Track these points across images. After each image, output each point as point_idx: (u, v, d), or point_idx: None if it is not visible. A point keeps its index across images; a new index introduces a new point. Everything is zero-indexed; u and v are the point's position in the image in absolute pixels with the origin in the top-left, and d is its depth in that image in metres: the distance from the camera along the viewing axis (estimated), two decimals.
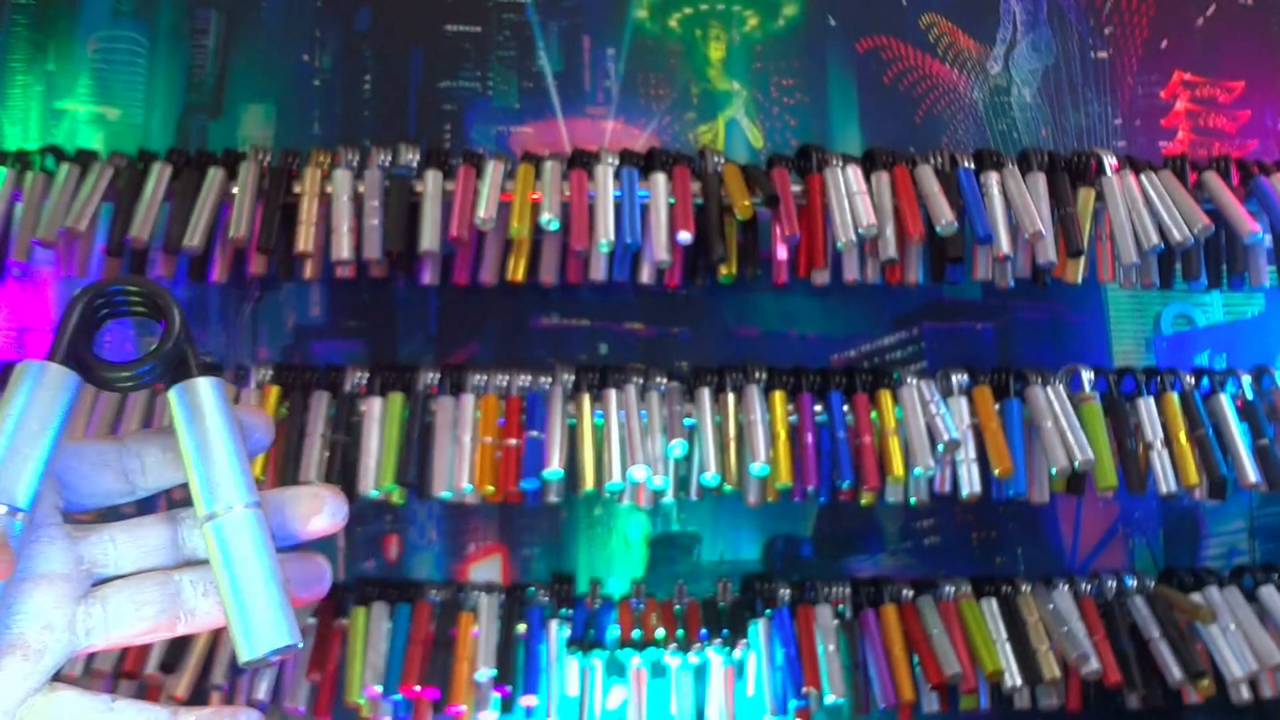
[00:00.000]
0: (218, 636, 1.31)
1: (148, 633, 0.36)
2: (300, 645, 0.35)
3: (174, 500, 0.39)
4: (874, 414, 1.35)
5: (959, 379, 1.37)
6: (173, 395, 0.35)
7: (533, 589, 1.37)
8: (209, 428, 0.35)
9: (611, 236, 1.30)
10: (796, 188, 1.37)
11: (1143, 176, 1.38)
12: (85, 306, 0.35)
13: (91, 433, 1.28)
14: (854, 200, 1.34)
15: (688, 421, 1.32)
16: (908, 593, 1.38)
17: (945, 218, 1.32)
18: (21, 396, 0.33)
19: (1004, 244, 1.34)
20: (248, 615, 0.34)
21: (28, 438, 0.33)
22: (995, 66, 1.68)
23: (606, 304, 1.56)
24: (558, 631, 1.35)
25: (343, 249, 1.29)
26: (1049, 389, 1.35)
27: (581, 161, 1.36)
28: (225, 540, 0.34)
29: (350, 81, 1.62)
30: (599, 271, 1.34)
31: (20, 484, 0.33)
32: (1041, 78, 1.68)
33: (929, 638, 1.32)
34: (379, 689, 1.28)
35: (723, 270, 1.34)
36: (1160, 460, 1.34)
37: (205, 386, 0.35)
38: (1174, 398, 1.36)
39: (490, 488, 1.27)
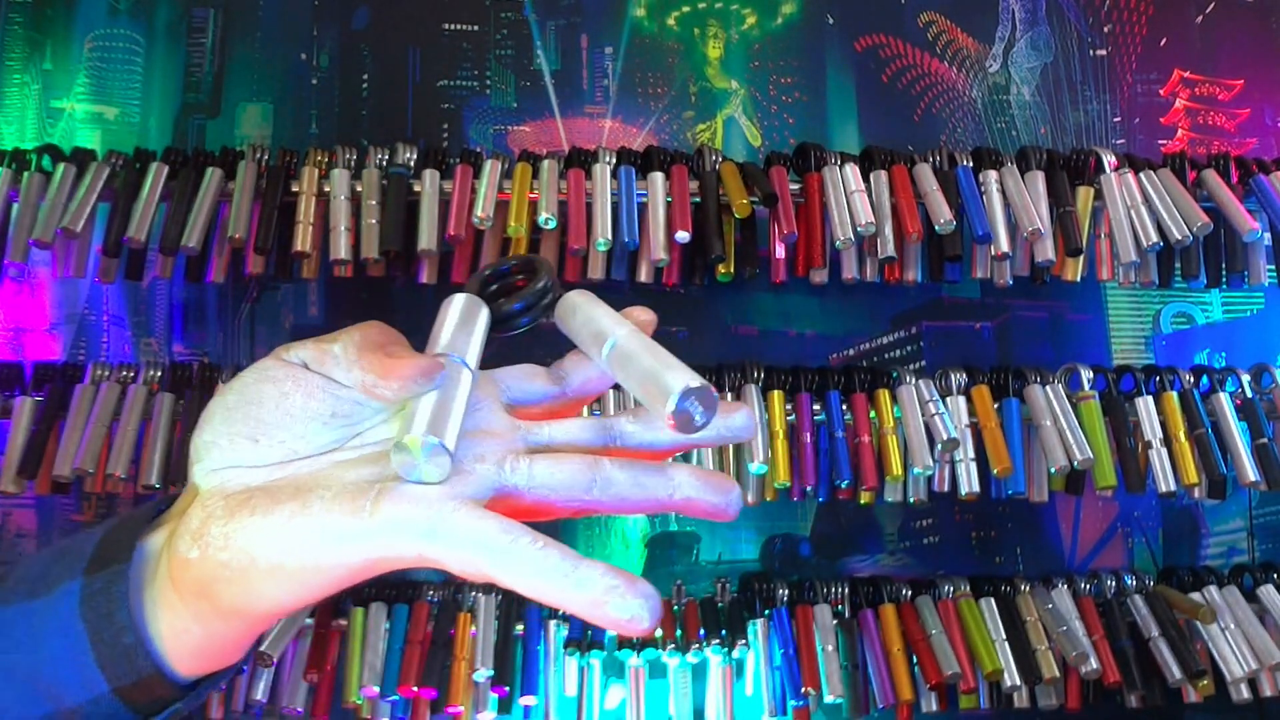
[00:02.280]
0: None
1: (564, 487, 0.41)
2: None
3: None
4: (872, 413, 1.35)
5: (958, 378, 1.37)
6: (568, 300, 0.46)
7: None
8: (595, 306, 0.45)
9: (609, 235, 1.30)
10: (795, 186, 1.37)
11: (1142, 175, 1.38)
12: (490, 274, 0.47)
13: (91, 429, 1.27)
14: (852, 199, 1.33)
15: None
16: (906, 592, 1.38)
17: (944, 216, 1.32)
18: (459, 311, 0.45)
19: (1003, 242, 1.34)
20: (658, 376, 0.41)
21: (475, 330, 0.45)
22: (994, 64, 1.68)
23: (605, 303, 1.55)
24: (556, 631, 1.35)
25: (340, 248, 1.29)
26: (1048, 388, 1.35)
27: (579, 160, 1.36)
28: (624, 346, 0.43)
29: (348, 80, 1.61)
30: (597, 270, 1.33)
31: (475, 356, 0.44)
32: (1040, 76, 1.68)
33: (928, 637, 1.32)
34: (377, 689, 1.28)
35: (721, 269, 1.33)
36: (1159, 459, 1.33)
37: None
38: (1173, 397, 1.36)
39: None
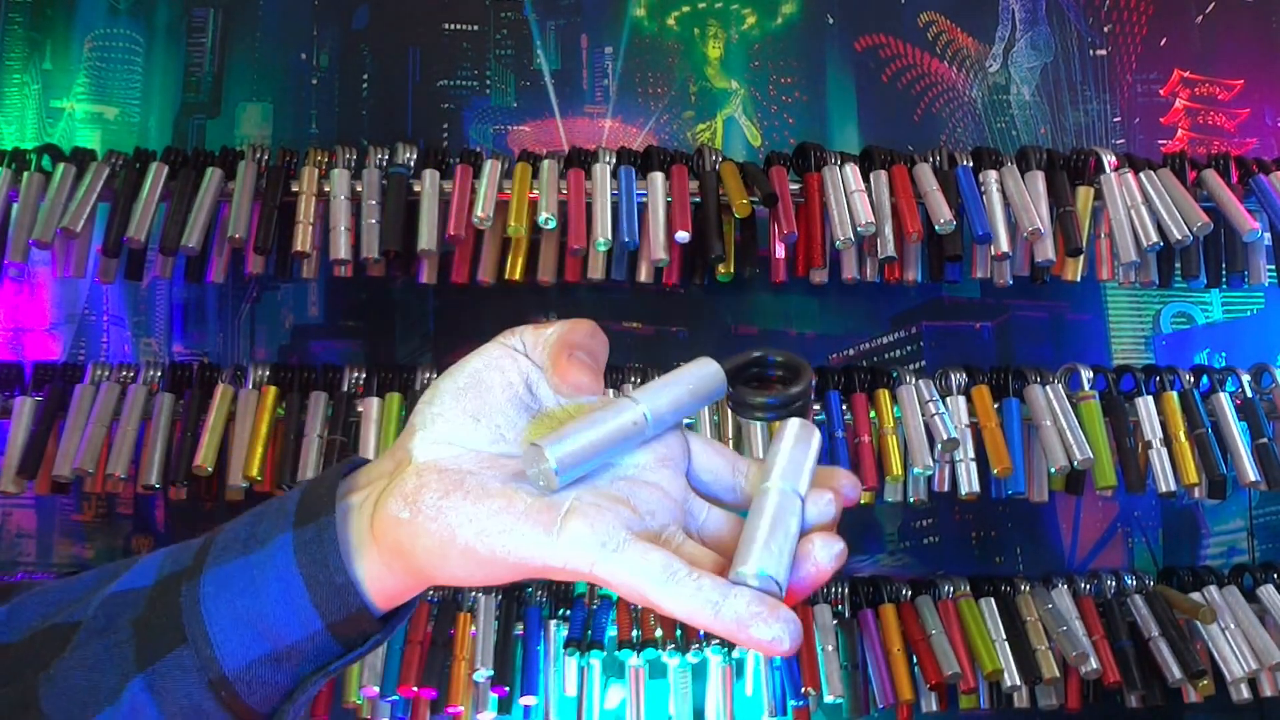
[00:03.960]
0: None
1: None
2: (780, 590, 0.42)
3: None
4: (872, 413, 1.35)
5: (958, 378, 1.37)
6: (789, 425, 0.47)
7: (530, 589, 1.37)
8: (796, 445, 0.46)
9: (609, 235, 1.30)
10: (795, 186, 1.37)
11: (1142, 175, 1.38)
12: (753, 361, 0.49)
13: (91, 429, 1.27)
14: (852, 199, 1.33)
15: (686, 421, 1.32)
16: (906, 592, 1.38)
17: (944, 216, 1.32)
18: (693, 373, 0.47)
19: (1003, 242, 1.34)
20: (750, 545, 0.42)
21: (688, 393, 0.47)
22: (994, 64, 1.68)
23: (604, 303, 1.55)
24: (556, 631, 1.35)
25: (340, 248, 1.29)
26: (1048, 388, 1.35)
27: (579, 160, 1.36)
28: (764, 499, 0.44)
29: (348, 80, 1.61)
30: (597, 270, 1.33)
31: (664, 411, 0.46)
32: (1040, 76, 1.68)
33: (928, 637, 1.32)
34: (377, 689, 1.28)
35: (721, 269, 1.33)
36: (1159, 459, 1.33)
37: (802, 425, 0.47)
38: (1173, 396, 1.36)
39: None
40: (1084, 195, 1.38)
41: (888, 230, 1.33)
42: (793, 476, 0.45)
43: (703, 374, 0.47)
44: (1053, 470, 1.32)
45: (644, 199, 1.34)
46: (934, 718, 1.40)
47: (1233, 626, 1.34)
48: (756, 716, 1.33)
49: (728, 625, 0.41)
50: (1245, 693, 1.33)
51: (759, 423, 0.48)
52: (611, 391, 1.19)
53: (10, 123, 1.57)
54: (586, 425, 0.44)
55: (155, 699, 0.45)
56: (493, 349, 0.48)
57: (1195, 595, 1.37)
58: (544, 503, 0.44)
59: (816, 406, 1.35)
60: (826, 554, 0.43)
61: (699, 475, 0.49)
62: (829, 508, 0.46)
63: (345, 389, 1.33)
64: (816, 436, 0.47)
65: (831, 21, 1.67)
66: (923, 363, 1.58)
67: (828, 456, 1.34)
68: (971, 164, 1.39)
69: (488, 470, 0.45)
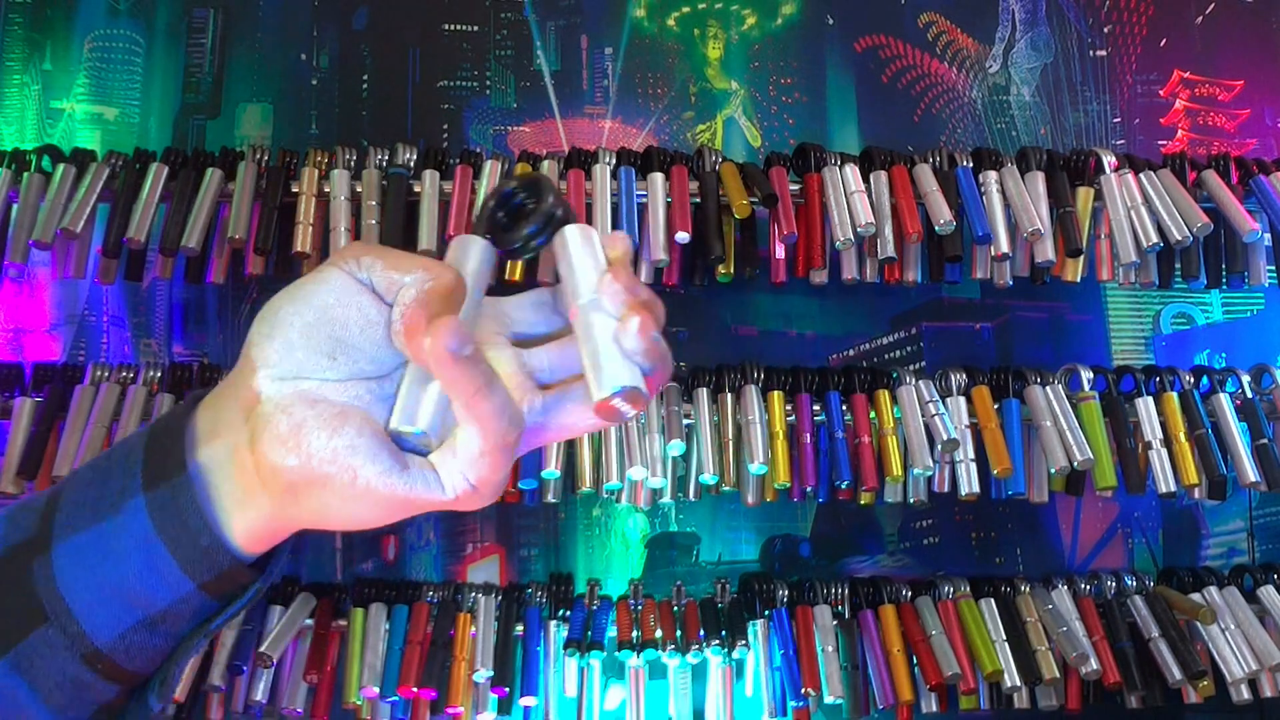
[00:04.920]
0: (215, 640, 1.31)
1: (575, 412, 0.47)
2: (642, 391, 0.44)
3: None
4: (872, 414, 1.35)
5: (958, 378, 1.37)
6: (563, 235, 0.47)
7: (530, 589, 1.37)
8: (581, 252, 0.46)
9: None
10: (794, 187, 1.37)
11: (1142, 175, 1.38)
12: (495, 203, 0.48)
13: (91, 429, 1.27)
14: (852, 199, 1.33)
15: (685, 421, 1.32)
16: (906, 593, 1.38)
17: (944, 217, 1.32)
18: (465, 249, 0.47)
19: (1003, 243, 1.34)
20: (600, 364, 0.44)
21: (474, 279, 0.47)
22: (994, 65, 1.68)
23: None
24: (556, 632, 1.35)
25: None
26: (1048, 388, 1.35)
27: (579, 161, 1.36)
28: (585, 317, 0.45)
29: (348, 81, 1.61)
30: None
31: (471, 316, 0.46)
32: (1040, 76, 1.68)
33: (928, 638, 1.32)
34: (377, 690, 1.28)
35: (720, 270, 1.33)
36: (1159, 460, 1.33)
37: (573, 230, 0.47)
38: (1173, 397, 1.36)
39: None
40: (1084, 196, 1.38)
41: (888, 231, 1.33)
42: (593, 284, 0.45)
43: (469, 252, 0.47)
44: (1053, 471, 1.32)
45: (644, 199, 1.34)
46: (934, 718, 1.40)
47: (1233, 627, 1.34)
48: (756, 717, 1.33)
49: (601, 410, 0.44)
50: (1245, 693, 1.33)
51: (530, 255, 0.49)
52: None
53: (10, 123, 1.57)
54: (419, 384, 0.44)
55: (24, 678, 0.44)
56: (336, 277, 0.45)
57: (1195, 596, 1.37)
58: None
59: (816, 407, 1.35)
60: (630, 339, 0.44)
61: (527, 335, 0.49)
62: (614, 291, 0.45)
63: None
64: (592, 233, 0.47)
65: (831, 22, 1.67)
66: (923, 363, 1.58)
67: (827, 457, 1.34)
68: (971, 164, 1.39)
69: (355, 399, 0.44)
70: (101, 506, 0.45)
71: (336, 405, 0.43)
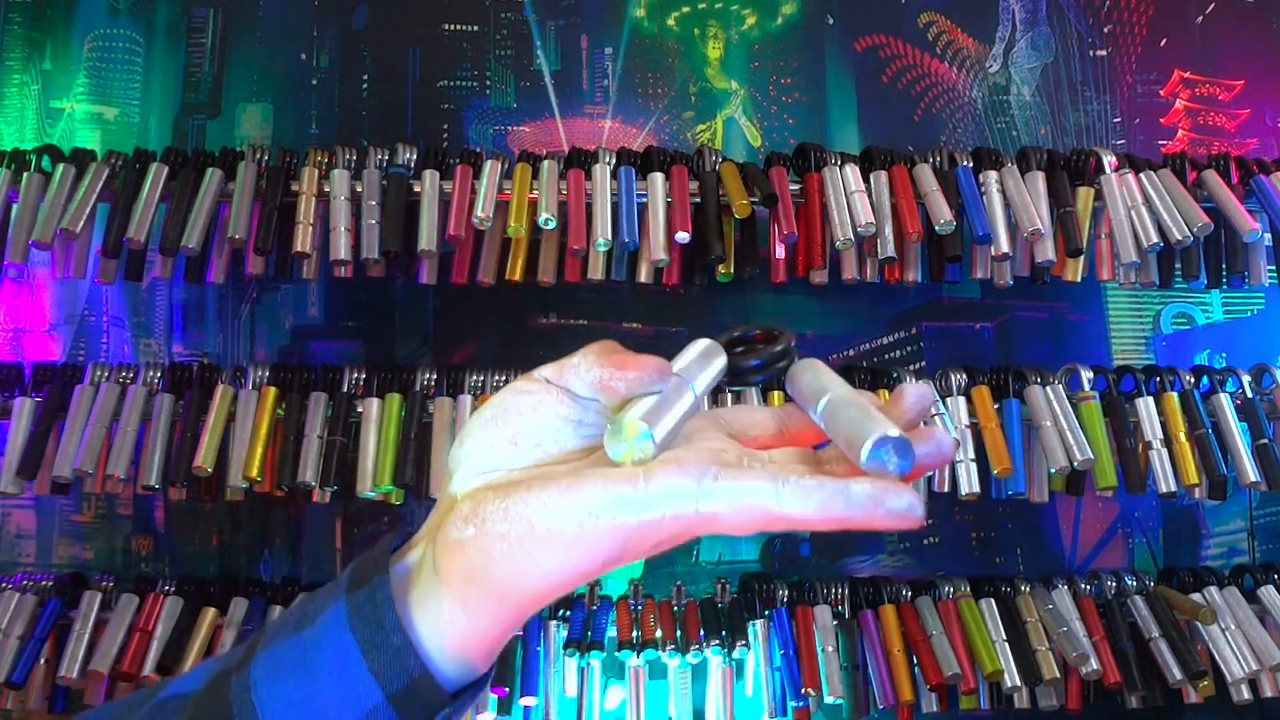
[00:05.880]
0: (214, 638, 1.31)
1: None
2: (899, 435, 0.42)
3: None
4: None
5: (958, 379, 1.37)
6: (803, 362, 0.50)
7: None
8: (825, 371, 0.49)
9: (609, 236, 1.30)
10: (795, 187, 1.37)
11: (1142, 175, 1.38)
12: (738, 333, 0.51)
13: (90, 430, 1.27)
14: (852, 199, 1.33)
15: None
16: (906, 593, 1.38)
17: (944, 217, 1.31)
18: (702, 350, 0.49)
19: (1003, 243, 1.34)
20: (857, 426, 0.44)
21: (710, 369, 0.49)
22: (994, 65, 1.68)
23: (604, 303, 1.55)
24: (556, 632, 1.35)
25: (340, 249, 1.29)
26: (1048, 389, 1.35)
27: (579, 161, 1.36)
28: (835, 400, 0.46)
29: (348, 81, 1.61)
30: (597, 271, 1.33)
31: (702, 386, 0.47)
32: (1040, 76, 1.68)
33: (928, 638, 1.32)
34: None
35: (721, 270, 1.33)
36: (1160, 460, 1.33)
37: (809, 361, 0.49)
38: (1173, 397, 1.36)
39: None
40: (1084, 196, 1.38)
41: (888, 231, 1.33)
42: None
43: (708, 350, 0.49)
44: (1053, 471, 1.32)
45: (644, 199, 1.34)
46: (934, 718, 1.40)
47: (1233, 627, 1.34)
48: (756, 717, 1.33)
49: (862, 505, 0.40)
50: (1245, 693, 1.33)
51: (739, 383, 0.50)
52: None
53: (10, 123, 1.57)
54: (652, 399, 0.45)
55: None
56: (517, 382, 0.47)
57: (1196, 596, 1.37)
58: (617, 469, 0.42)
59: None
60: (929, 442, 0.44)
61: (742, 430, 0.50)
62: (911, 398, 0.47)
63: (345, 389, 1.33)
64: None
65: (831, 22, 1.67)
66: (923, 363, 1.58)
67: None
68: (971, 164, 1.39)
69: (540, 471, 0.44)
70: (304, 621, 0.44)
71: (516, 476, 0.44)
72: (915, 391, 0.48)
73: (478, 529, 0.42)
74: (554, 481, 0.42)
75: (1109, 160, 1.39)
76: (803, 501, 0.40)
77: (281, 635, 0.45)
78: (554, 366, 0.46)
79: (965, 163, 1.39)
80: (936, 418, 1.32)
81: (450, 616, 0.43)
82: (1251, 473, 1.32)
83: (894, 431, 0.42)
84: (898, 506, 0.40)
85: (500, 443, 0.45)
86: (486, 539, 0.42)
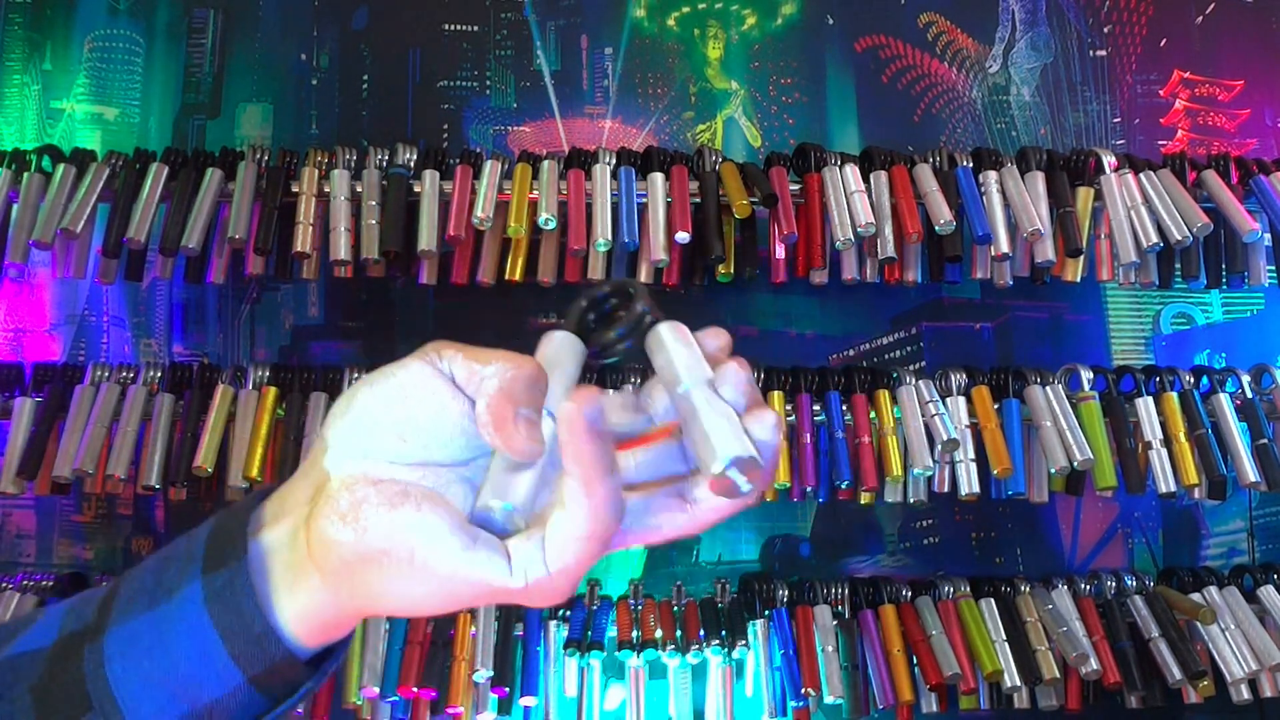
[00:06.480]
0: None
1: (663, 515, 0.46)
2: (758, 462, 0.42)
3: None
4: (872, 414, 1.35)
5: (958, 378, 1.37)
6: (657, 333, 0.48)
7: None
8: (678, 345, 0.47)
9: (609, 236, 1.30)
10: (795, 187, 1.37)
11: (1142, 175, 1.38)
12: (586, 306, 0.49)
13: (91, 430, 1.27)
14: (852, 199, 1.33)
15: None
16: (906, 593, 1.38)
17: (944, 217, 1.32)
18: (557, 346, 0.48)
19: (1003, 243, 1.34)
20: (708, 440, 0.43)
21: (568, 376, 0.47)
22: (994, 65, 1.68)
23: None
24: (556, 632, 1.35)
25: (340, 249, 1.29)
26: (1048, 389, 1.35)
27: (579, 161, 1.36)
28: (688, 399, 0.45)
29: (348, 81, 1.61)
30: (597, 271, 1.33)
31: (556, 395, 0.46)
32: (1040, 76, 1.68)
33: (928, 638, 1.32)
34: (377, 690, 1.28)
35: (720, 270, 1.33)
36: (1159, 460, 1.33)
37: (669, 327, 0.47)
38: (1173, 397, 1.36)
39: None
40: (1084, 196, 1.38)
41: (888, 231, 1.33)
42: (695, 370, 0.46)
43: (561, 348, 0.47)
44: (1053, 471, 1.32)
45: (644, 200, 1.34)
46: (934, 718, 1.40)
47: (1233, 627, 1.34)
48: (756, 717, 1.33)
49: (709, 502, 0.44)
50: (1245, 693, 1.33)
51: (615, 358, 0.49)
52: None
53: (10, 123, 1.57)
54: (509, 468, 0.44)
55: None
56: (417, 366, 0.44)
57: (1195, 596, 1.37)
58: (501, 558, 0.43)
59: (816, 407, 1.35)
60: (764, 430, 0.43)
61: (614, 435, 0.48)
62: (738, 379, 0.45)
63: (345, 390, 1.33)
64: (684, 329, 0.47)
65: (831, 22, 1.67)
66: (923, 363, 1.58)
67: (827, 457, 1.34)
68: (971, 164, 1.39)
69: (423, 481, 0.43)
70: (158, 593, 0.44)
71: (400, 484, 0.42)
72: (713, 340, 0.47)
73: (357, 536, 0.41)
74: (442, 512, 0.42)
75: (1109, 160, 1.39)
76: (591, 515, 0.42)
77: (137, 605, 0.44)
78: (464, 366, 0.44)
79: (965, 163, 1.39)
80: (936, 418, 1.32)
81: (319, 602, 0.43)
82: (1251, 473, 1.33)
83: (745, 452, 0.42)
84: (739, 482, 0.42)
85: (388, 433, 0.43)
86: (366, 549, 0.41)
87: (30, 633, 0.46)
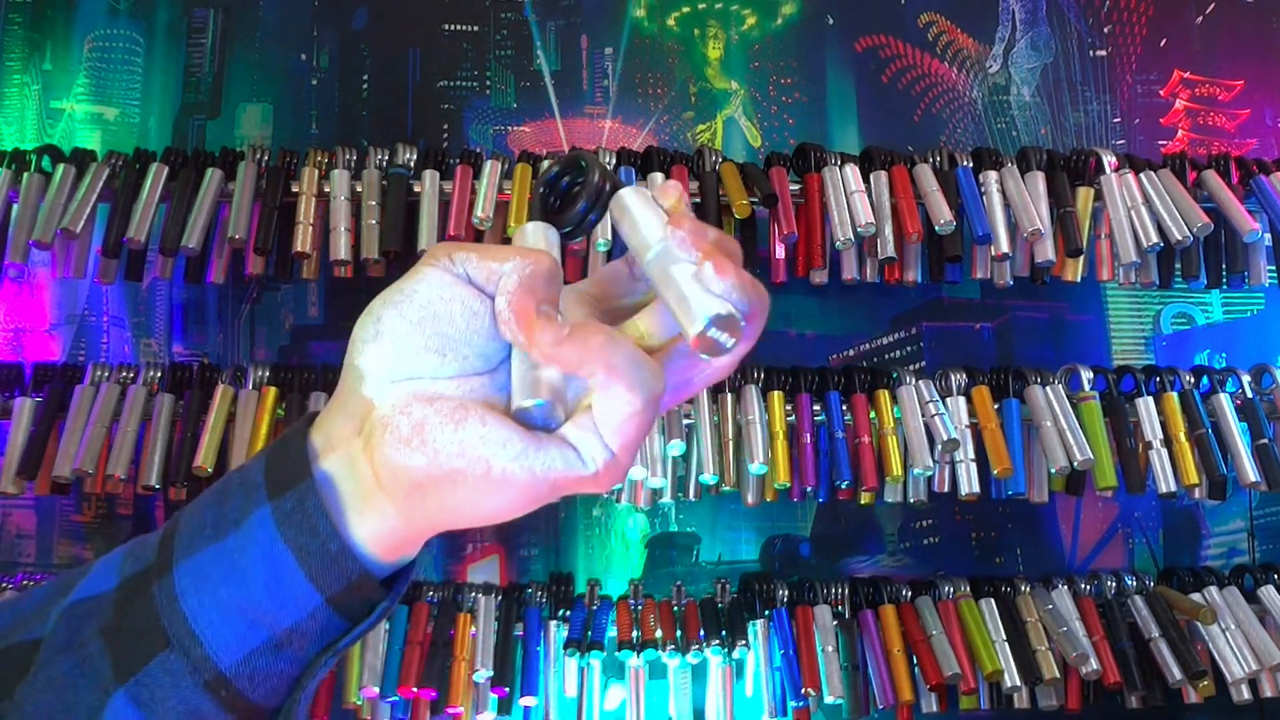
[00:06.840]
0: None
1: (690, 370, 0.46)
2: (739, 314, 0.43)
3: None
4: (872, 414, 1.35)
5: (958, 378, 1.37)
6: (619, 201, 0.47)
7: (530, 589, 1.37)
8: (642, 209, 0.47)
9: (609, 236, 1.30)
10: (795, 187, 1.37)
11: (1142, 175, 1.38)
12: (544, 189, 0.49)
13: (91, 429, 1.27)
14: (852, 199, 1.33)
15: (685, 421, 1.32)
16: (906, 593, 1.38)
17: (944, 217, 1.32)
18: (534, 236, 0.47)
19: (1003, 243, 1.34)
20: (686, 300, 0.43)
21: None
22: (994, 65, 1.68)
23: None
24: (556, 632, 1.35)
25: (340, 249, 1.29)
26: (1048, 388, 1.35)
27: None
28: (659, 261, 0.45)
29: (348, 81, 1.61)
30: (597, 271, 1.33)
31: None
32: (1040, 76, 1.68)
33: (928, 638, 1.32)
34: (377, 690, 1.28)
35: None
36: (1160, 460, 1.33)
37: (628, 193, 0.47)
38: (1173, 397, 1.36)
39: None
40: (1084, 196, 1.38)
41: (888, 231, 1.33)
42: (660, 234, 0.45)
43: (537, 238, 0.47)
44: (1053, 471, 1.32)
45: None
46: (934, 718, 1.40)
47: (1233, 627, 1.34)
48: (756, 717, 1.33)
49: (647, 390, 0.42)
50: (1245, 693, 1.33)
51: (586, 232, 0.49)
52: None
53: (10, 123, 1.57)
54: (533, 363, 0.43)
55: (143, 711, 0.42)
56: (435, 275, 0.43)
57: (1195, 596, 1.37)
58: (572, 449, 0.43)
59: (816, 407, 1.35)
60: (717, 286, 0.43)
61: (615, 306, 0.48)
62: (682, 238, 0.44)
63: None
64: (645, 192, 0.47)
65: (831, 22, 1.67)
66: (923, 363, 1.58)
67: (827, 457, 1.34)
68: (971, 164, 1.39)
69: (471, 393, 0.43)
70: (223, 525, 0.43)
71: (454, 399, 0.42)
72: (666, 199, 0.47)
73: (429, 459, 0.41)
74: (510, 431, 0.41)
75: (1109, 160, 1.39)
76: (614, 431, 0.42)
77: (202, 540, 0.43)
78: (481, 266, 0.43)
79: (965, 163, 1.39)
80: (936, 418, 1.32)
81: (392, 525, 0.43)
82: (1251, 473, 1.32)
83: (724, 309, 0.43)
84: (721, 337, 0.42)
85: (426, 351, 0.43)
86: (439, 469, 0.41)
87: (88, 579, 0.45)
